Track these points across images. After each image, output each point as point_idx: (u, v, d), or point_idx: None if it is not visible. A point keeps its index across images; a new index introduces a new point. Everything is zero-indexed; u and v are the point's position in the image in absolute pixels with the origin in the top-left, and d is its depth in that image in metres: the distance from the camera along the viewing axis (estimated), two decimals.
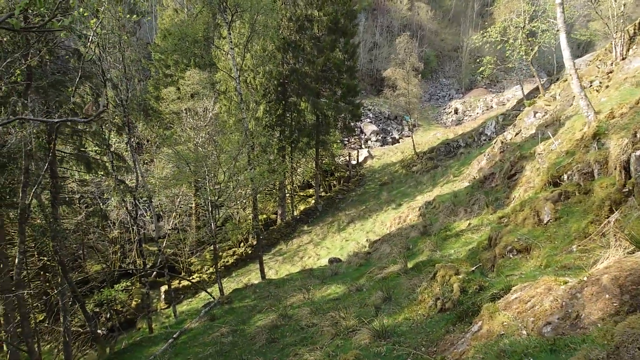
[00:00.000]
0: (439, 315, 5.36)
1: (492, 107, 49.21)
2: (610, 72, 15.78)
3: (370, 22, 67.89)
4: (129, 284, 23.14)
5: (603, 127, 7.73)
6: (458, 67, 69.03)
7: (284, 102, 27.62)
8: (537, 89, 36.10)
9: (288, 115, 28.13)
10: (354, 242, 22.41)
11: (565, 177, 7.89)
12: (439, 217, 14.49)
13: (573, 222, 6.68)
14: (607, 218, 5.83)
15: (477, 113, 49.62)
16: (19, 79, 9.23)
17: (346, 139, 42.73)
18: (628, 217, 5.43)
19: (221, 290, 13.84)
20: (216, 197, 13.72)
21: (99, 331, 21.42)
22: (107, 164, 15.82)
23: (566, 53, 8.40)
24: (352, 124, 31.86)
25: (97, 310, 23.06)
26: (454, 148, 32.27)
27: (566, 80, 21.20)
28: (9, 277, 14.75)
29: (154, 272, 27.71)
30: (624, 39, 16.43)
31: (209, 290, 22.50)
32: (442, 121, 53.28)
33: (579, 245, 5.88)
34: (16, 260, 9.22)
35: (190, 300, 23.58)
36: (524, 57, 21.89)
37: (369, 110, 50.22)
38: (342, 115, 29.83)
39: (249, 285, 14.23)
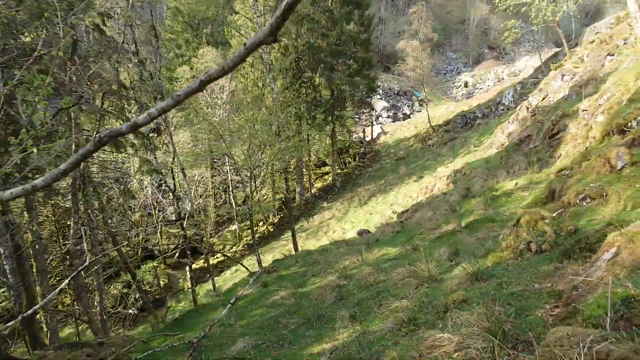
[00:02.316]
0: (537, 257, 5.23)
1: (503, 78, 48.46)
2: None
3: None
4: (155, 264, 23.32)
5: None
6: (465, 40, 67.74)
7: (298, 77, 27.20)
8: (554, 56, 35.43)
9: (304, 91, 27.73)
10: (379, 214, 22.35)
11: (634, 123, 7.66)
12: (474, 182, 14.31)
13: None
14: None
15: (488, 85, 48.92)
16: (61, 52, 8.94)
17: (357, 117, 42.32)
18: None
19: (259, 262, 13.84)
20: (252, 168, 13.57)
21: (130, 311, 21.72)
22: (134, 141, 15.69)
23: None
24: (368, 98, 31.41)
25: (126, 291, 23.35)
26: (470, 119, 31.87)
27: (593, 41, 20.68)
28: (44, 257, 14.82)
29: (177, 254, 28.01)
30: None
31: (238, 266, 22.60)
32: (452, 95, 52.65)
33: None
34: (71, 232, 9.15)
35: (216, 278, 23.71)
36: (550, 18, 21.32)
37: (378, 86, 49.55)
38: (358, 89, 29.43)
39: (288, 255, 14.21)
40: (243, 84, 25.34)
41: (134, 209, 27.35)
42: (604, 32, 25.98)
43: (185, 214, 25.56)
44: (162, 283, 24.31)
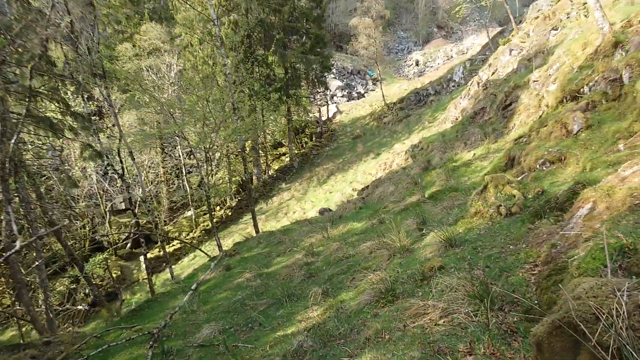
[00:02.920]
0: (507, 220, 5.22)
1: (452, 56, 49.69)
2: (585, 3, 16.00)
3: None
4: (105, 256, 21.95)
5: (622, 37, 7.74)
6: (414, 19, 68.53)
7: (251, 54, 26.13)
8: (500, 33, 36.63)
9: (257, 69, 26.74)
10: (339, 192, 22.32)
11: (587, 89, 7.90)
12: (433, 155, 14.51)
13: (608, 126, 6.71)
14: None
15: (438, 63, 49.99)
16: None
17: (312, 96, 41.75)
18: None
19: (220, 245, 13.28)
20: (206, 149, 12.82)
21: (80, 307, 20.40)
22: (73, 124, 14.32)
23: None
24: (323, 77, 30.94)
25: (74, 286, 21.87)
26: (423, 96, 32.42)
27: (537, 17, 21.45)
28: None
29: (129, 244, 26.60)
30: None
31: (196, 253, 21.84)
32: (404, 74, 53.33)
33: (627, 144, 5.90)
34: (3, 224, 8.12)
35: (173, 266, 22.85)
36: None
37: (332, 65, 49.11)
38: (313, 67, 28.87)
39: (249, 238, 13.76)
40: (192, 62, 23.96)
41: (78, 198, 25.46)
42: (545, 9, 27.10)
43: (136, 201, 24.17)
44: (114, 275, 23.00)
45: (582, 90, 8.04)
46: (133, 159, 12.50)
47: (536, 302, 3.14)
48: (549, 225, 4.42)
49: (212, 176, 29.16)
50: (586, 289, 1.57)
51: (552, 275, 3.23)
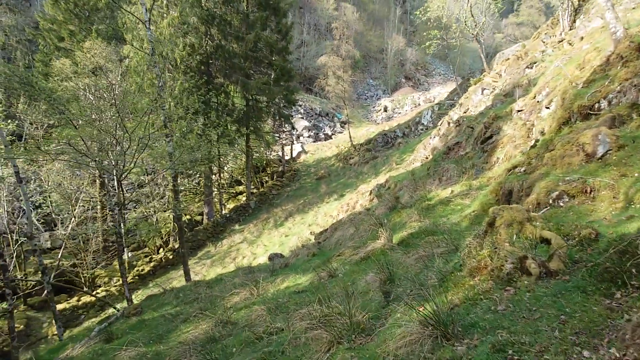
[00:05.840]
0: (545, 285, 2.84)
1: (419, 104, 49.85)
2: (561, 41, 15.09)
3: (297, 19, 66.15)
4: (4, 306, 17.83)
5: None
6: (384, 68, 70.04)
7: (208, 82, 23.98)
8: (466, 80, 36.68)
9: (214, 98, 24.51)
10: (296, 236, 19.63)
11: (604, 103, 6.00)
12: (402, 194, 12.34)
13: None
14: None
15: (406, 110, 49.95)
16: None
17: (277, 135, 39.74)
18: None
19: (130, 300, 10.18)
20: (122, 165, 10.03)
21: None
22: None
23: None
24: (288, 113, 29.04)
25: None
26: (391, 138, 31.10)
27: (509, 59, 20.77)
28: None
29: (45, 291, 22.39)
30: (570, 9, 15.99)
31: (118, 304, 18.23)
32: (372, 119, 52.98)
33: None
34: None
35: (92, 320, 18.95)
36: (470, 31, 21.17)
37: (300, 106, 47.94)
38: (276, 100, 26.97)
39: (168, 290, 10.72)
40: (138, 84, 21.46)
41: None
42: (510, 56, 26.94)
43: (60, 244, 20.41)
44: (16, 329, 18.68)
45: (596, 105, 6.14)
46: (20, 181, 9.50)
47: None
48: None
49: (155, 212, 25.80)
50: None
51: None
